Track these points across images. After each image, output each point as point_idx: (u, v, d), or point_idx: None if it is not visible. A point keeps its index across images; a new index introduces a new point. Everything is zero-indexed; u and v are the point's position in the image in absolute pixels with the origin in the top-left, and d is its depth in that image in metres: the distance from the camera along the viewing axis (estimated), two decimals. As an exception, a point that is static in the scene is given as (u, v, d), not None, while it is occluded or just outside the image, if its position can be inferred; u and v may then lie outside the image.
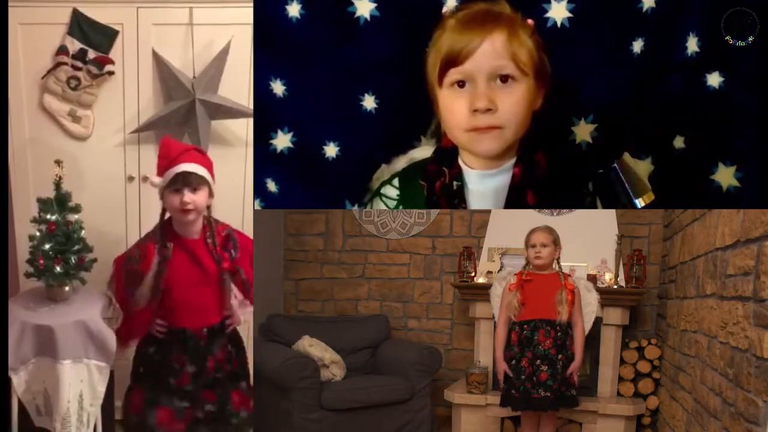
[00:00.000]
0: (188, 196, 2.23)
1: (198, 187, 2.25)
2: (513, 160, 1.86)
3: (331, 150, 2.31)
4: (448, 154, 1.92)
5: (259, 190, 2.42)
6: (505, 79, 1.73)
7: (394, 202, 1.97)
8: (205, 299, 2.36)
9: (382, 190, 1.99)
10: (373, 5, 2.11)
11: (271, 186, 2.41)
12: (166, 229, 2.35)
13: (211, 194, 2.31)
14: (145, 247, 2.38)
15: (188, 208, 2.24)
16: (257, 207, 2.46)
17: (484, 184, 1.89)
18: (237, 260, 2.39)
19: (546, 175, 1.86)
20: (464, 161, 1.90)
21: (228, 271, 2.37)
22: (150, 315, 2.38)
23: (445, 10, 1.93)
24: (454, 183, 1.89)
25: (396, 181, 1.98)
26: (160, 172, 2.28)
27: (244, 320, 2.56)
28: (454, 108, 1.76)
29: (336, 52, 2.19)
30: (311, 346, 3.58)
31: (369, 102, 2.23)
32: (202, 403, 2.40)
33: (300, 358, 3.39)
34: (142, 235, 2.61)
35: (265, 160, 2.37)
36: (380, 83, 2.20)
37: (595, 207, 1.92)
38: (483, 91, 1.72)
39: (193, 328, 2.38)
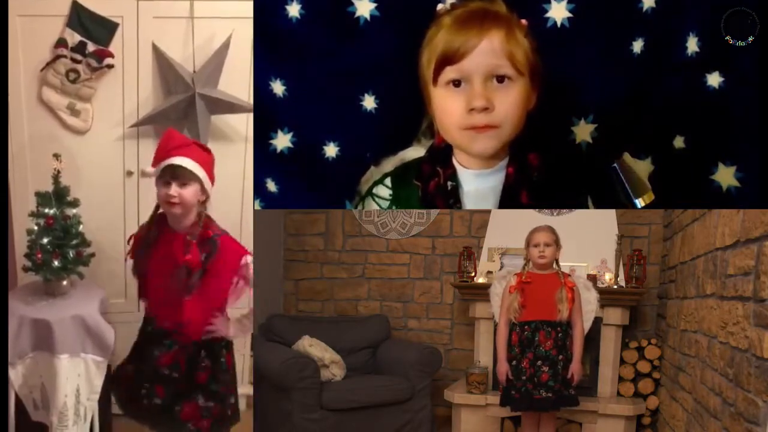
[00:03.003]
0: (174, 189, 2.20)
1: (187, 182, 2.21)
2: (507, 160, 1.86)
3: (331, 150, 2.31)
4: (441, 154, 1.91)
5: (259, 190, 2.42)
6: (501, 79, 1.72)
7: (387, 203, 1.97)
8: (173, 295, 2.28)
9: (374, 191, 1.98)
10: (373, 5, 2.11)
11: (271, 186, 2.41)
12: (160, 220, 2.34)
13: (204, 192, 2.27)
14: (134, 236, 2.38)
15: (173, 201, 2.21)
16: (257, 207, 2.46)
17: (478, 183, 1.88)
18: (208, 265, 2.23)
19: (540, 174, 1.85)
20: (458, 161, 1.90)
21: (187, 267, 2.22)
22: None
23: (440, 7, 1.93)
24: (449, 183, 1.89)
25: (388, 181, 1.97)
26: (155, 162, 2.27)
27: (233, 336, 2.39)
28: (450, 107, 1.76)
29: (336, 52, 2.18)
30: (311, 346, 3.58)
31: (369, 102, 2.23)
32: (151, 391, 2.37)
33: (300, 358, 3.39)
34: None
35: (265, 160, 2.37)
36: (380, 83, 2.20)
37: (587, 207, 1.92)
38: (480, 90, 1.71)
39: (158, 318, 2.35)
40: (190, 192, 2.22)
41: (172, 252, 2.26)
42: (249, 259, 2.29)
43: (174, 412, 2.35)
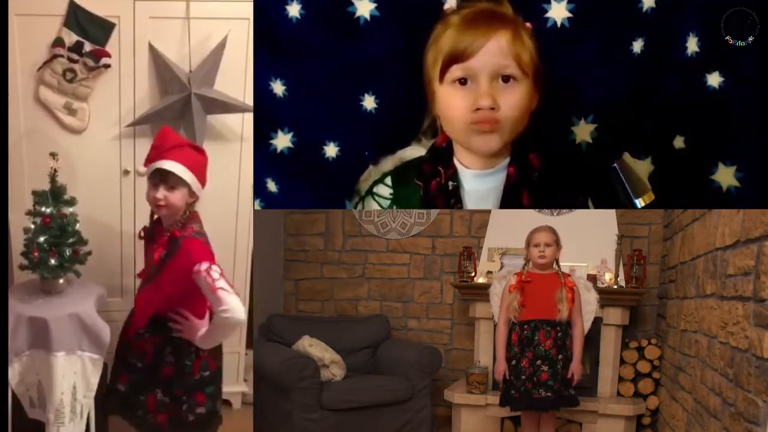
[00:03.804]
0: (162, 192, 2.21)
1: (175, 186, 2.22)
2: (508, 160, 1.87)
3: (331, 150, 2.31)
4: (442, 154, 1.92)
5: (259, 190, 2.42)
6: (506, 79, 1.74)
7: (388, 202, 1.97)
8: (151, 288, 2.33)
9: (375, 189, 1.99)
10: (373, 5, 2.11)
11: (271, 186, 2.41)
12: (159, 218, 2.36)
13: (192, 195, 2.27)
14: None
15: (159, 204, 2.23)
16: (257, 207, 2.46)
17: (480, 183, 1.89)
18: (167, 262, 2.22)
19: (541, 175, 1.86)
20: (460, 160, 1.90)
21: (155, 263, 2.27)
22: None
23: (447, 6, 1.94)
24: (450, 183, 1.89)
25: (388, 180, 1.98)
26: (147, 162, 2.27)
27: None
28: (455, 105, 1.77)
29: (336, 52, 2.18)
30: (311, 346, 3.58)
31: (369, 102, 2.23)
32: (116, 378, 2.44)
33: (300, 358, 3.39)
34: (137, 228, 2.62)
35: (265, 160, 2.37)
36: (380, 83, 2.20)
37: (587, 207, 1.93)
38: (486, 89, 1.72)
39: (136, 306, 2.41)
40: (177, 196, 2.23)
41: (153, 248, 2.31)
42: (203, 266, 2.14)
43: (138, 401, 2.37)
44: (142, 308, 2.36)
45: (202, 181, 2.31)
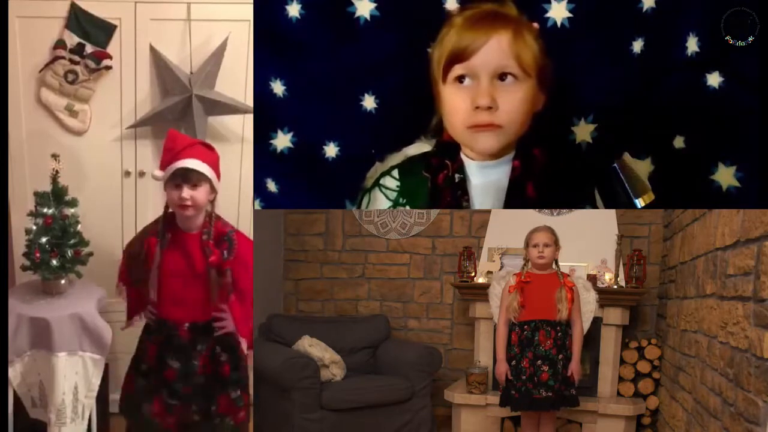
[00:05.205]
0: (187, 192, 2.20)
1: (198, 183, 2.22)
2: (513, 153, 1.89)
3: (331, 150, 2.31)
4: (450, 148, 1.93)
5: (259, 190, 2.42)
6: (506, 77, 1.74)
7: (395, 194, 1.98)
8: (190, 295, 2.30)
9: (381, 181, 1.99)
10: (373, 5, 2.12)
11: (271, 186, 2.41)
12: (169, 221, 2.34)
13: (213, 190, 2.28)
14: (147, 240, 2.35)
15: (186, 204, 2.22)
16: (257, 207, 2.46)
17: (485, 175, 1.91)
18: (228, 262, 2.29)
19: (545, 171, 1.87)
20: (465, 154, 1.92)
21: (215, 268, 2.28)
22: (146, 297, 2.36)
23: (452, 8, 1.94)
24: (457, 176, 1.91)
25: (395, 173, 1.98)
26: (163, 165, 2.26)
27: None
28: (457, 105, 1.79)
29: (336, 52, 2.19)
30: (311, 346, 3.58)
31: (369, 102, 2.23)
32: (191, 402, 2.36)
33: (300, 358, 3.39)
34: (138, 229, 2.62)
35: (265, 160, 2.37)
36: (380, 83, 2.20)
37: (595, 206, 1.93)
38: (485, 88, 1.74)
39: (175, 320, 2.33)
40: (201, 193, 2.24)
41: (188, 253, 2.29)
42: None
43: (211, 412, 2.36)
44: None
45: (218, 176, 2.31)
